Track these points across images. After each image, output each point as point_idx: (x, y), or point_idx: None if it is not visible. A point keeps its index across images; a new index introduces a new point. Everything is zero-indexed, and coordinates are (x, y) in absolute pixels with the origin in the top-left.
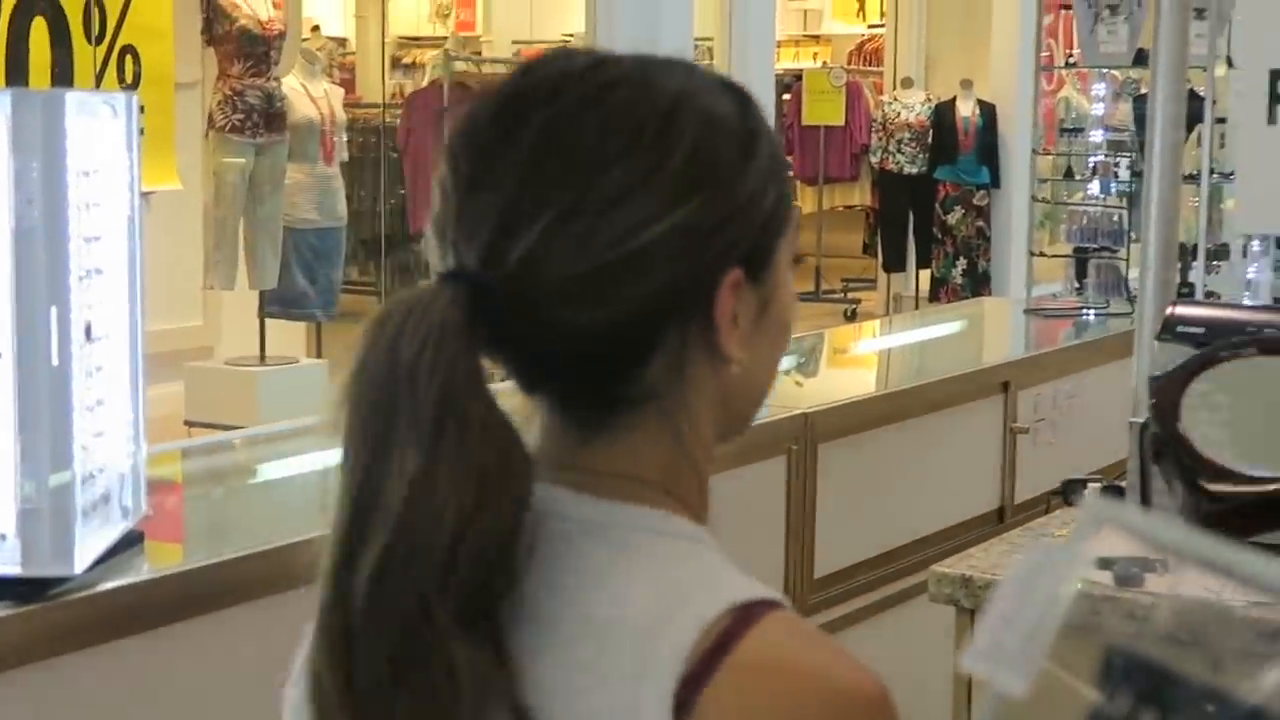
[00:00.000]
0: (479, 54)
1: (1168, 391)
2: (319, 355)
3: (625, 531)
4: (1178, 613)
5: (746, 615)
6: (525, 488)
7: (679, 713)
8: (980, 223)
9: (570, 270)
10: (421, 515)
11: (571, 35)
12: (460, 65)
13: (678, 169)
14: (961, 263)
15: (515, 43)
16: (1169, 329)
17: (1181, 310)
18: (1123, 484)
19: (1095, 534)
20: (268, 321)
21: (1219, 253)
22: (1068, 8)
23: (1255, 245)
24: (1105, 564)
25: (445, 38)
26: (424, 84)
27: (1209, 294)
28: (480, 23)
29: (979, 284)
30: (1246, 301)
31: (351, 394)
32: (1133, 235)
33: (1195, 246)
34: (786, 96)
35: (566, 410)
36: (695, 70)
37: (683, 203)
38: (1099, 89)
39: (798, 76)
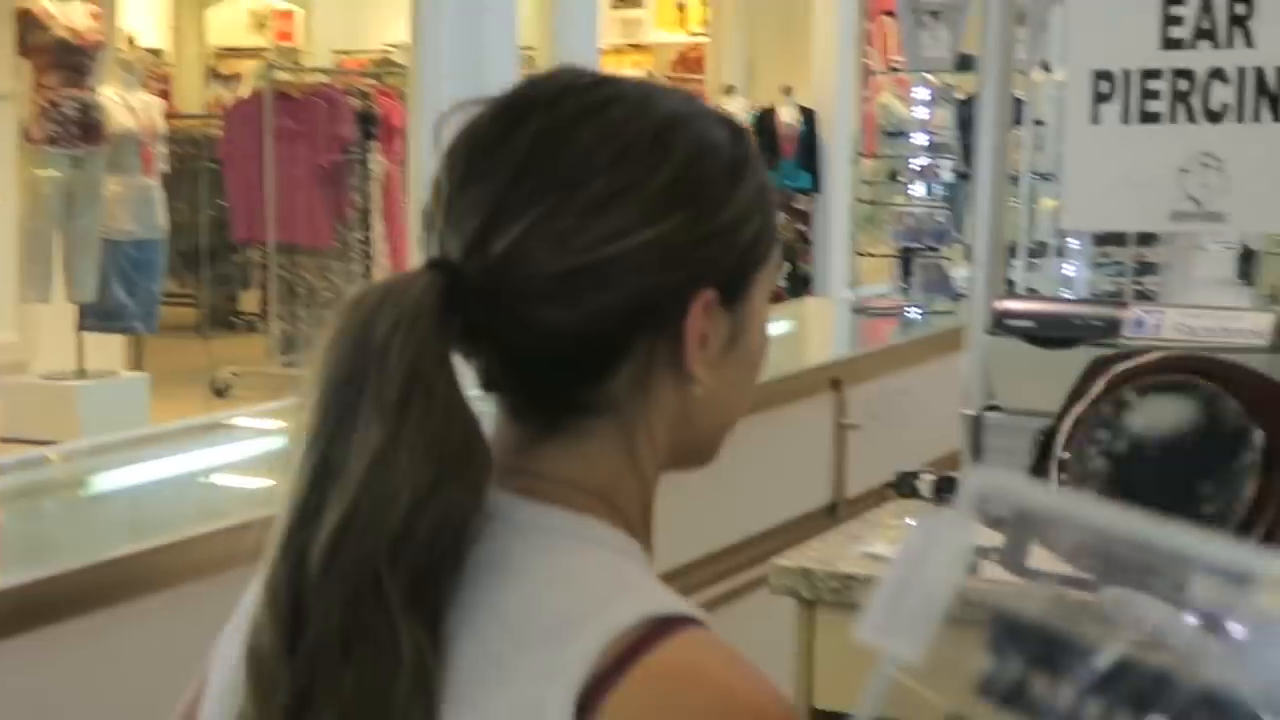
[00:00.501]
0: (298, 63)
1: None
2: (139, 368)
3: (556, 536)
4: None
5: (664, 627)
6: (483, 474)
7: (582, 714)
8: (801, 226)
9: (547, 269)
10: (379, 488)
11: (394, 45)
12: (281, 74)
13: (662, 185)
14: (784, 266)
15: (336, 52)
16: (999, 323)
17: (1010, 305)
18: (955, 475)
19: (981, 505)
20: (86, 335)
21: (1038, 251)
22: (889, 14)
23: (1073, 243)
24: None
25: (264, 48)
26: (244, 94)
27: (1030, 290)
28: (299, 33)
29: (800, 287)
30: (1065, 296)
31: (320, 368)
32: (955, 235)
33: (1015, 245)
34: None
35: (523, 412)
36: (694, 100)
37: (663, 218)
38: (920, 93)
39: None
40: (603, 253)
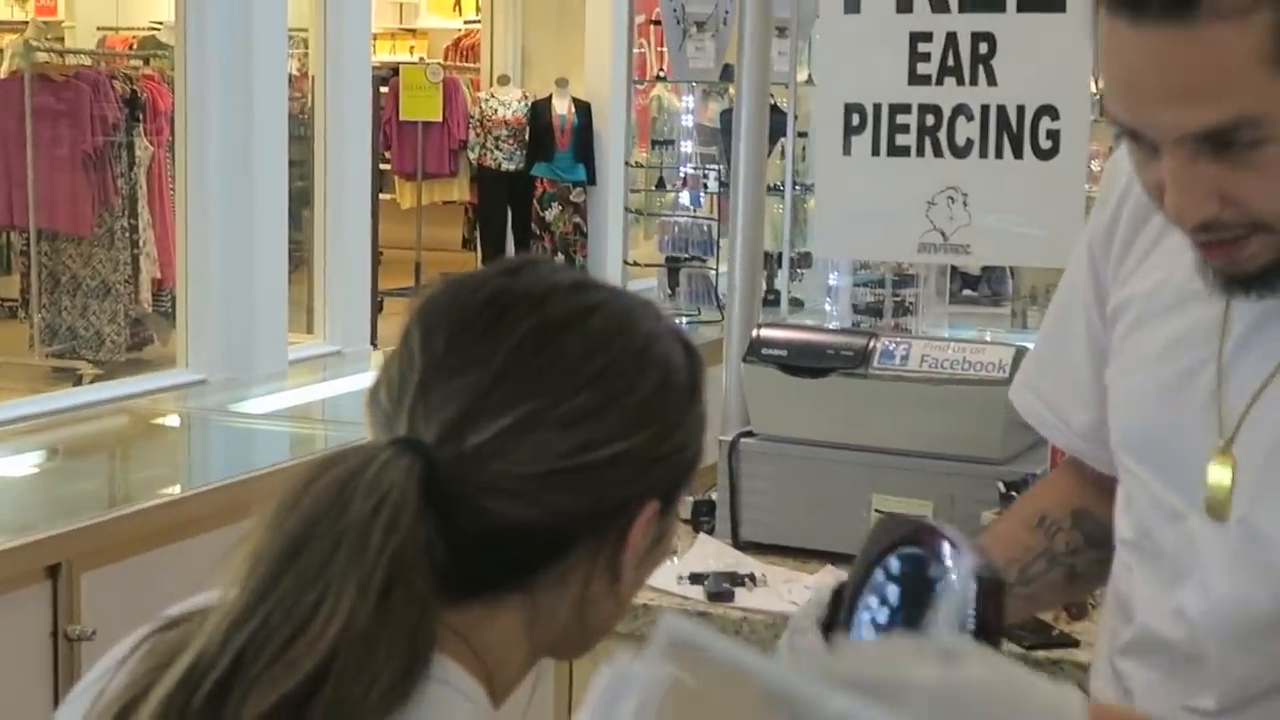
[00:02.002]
0: (61, 40)
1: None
2: None
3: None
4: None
5: None
6: (426, 672)
7: None
8: (577, 219)
9: (519, 469)
10: (354, 660)
11: (160, 23)
12: (42, 56)
13: (638, 402)
14: (559, 259)
15: (100, 29)
16: (754, 351)
17: (766, 333)
18: (713, 496)
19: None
20: None
21: (803, 260)
22: (656, 23)
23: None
24: (696, 579)
25: (25, 23)
26: (2, 74)
27: (793, 301)
28: (62, 8)
29: None
30: (828, 306)
31: (278, 519)
32: (721, 245)
33: (781, 255)
34: (384, 90)
35: (446, 579)
36: (661, 316)
37: (633, 434)
38: (689, 100)
39: (395, 70)
40: (575, 460)
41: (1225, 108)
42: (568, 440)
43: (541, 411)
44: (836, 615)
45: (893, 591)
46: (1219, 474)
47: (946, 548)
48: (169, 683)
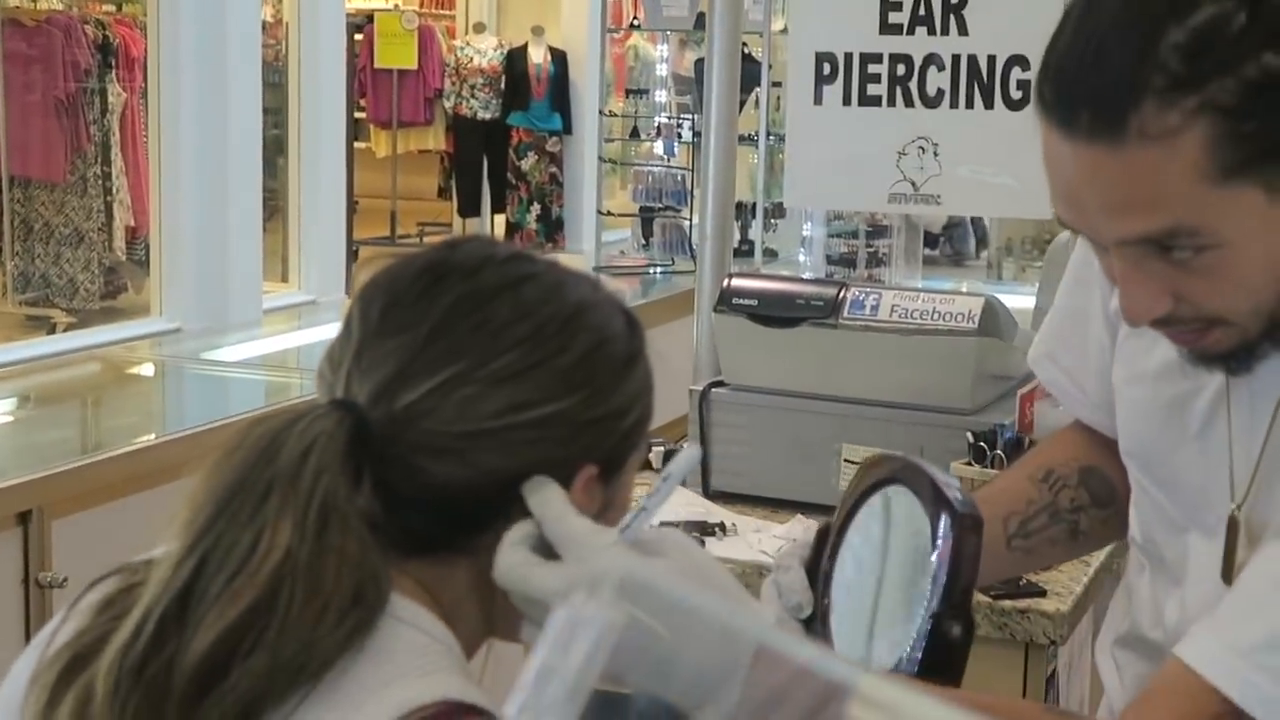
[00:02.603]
0: None
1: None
2: None
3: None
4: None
5: (456, 709)
6: (385, 596)
7: None
8: (553, 169)
9: (448, 428)
10: (294, 590)
11: None
12: (14, 1)
13: (566, 366)
14: (536, 208)
15: None
16: (725, 301)
17: (737, 283)
18: (685, 445)
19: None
20: None
21: (777, 211)
22: None
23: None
24: (667, 528)
25: None
26: None
27: (768, 251)
28: None
29: (553, 229)
30: (802, 256)
31: (212, 475)
32: (695, 195)
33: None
34: (359, 38)
35: (391, 539)
36: (599, 287)
37: (563, 396)
38: (663, 49)
39: (370, 18)
40: (503, 421)
41: (1161, 219)
42: (496, 400)
43: (469, 371)
44: (821, 554)
45: (875, 528)
46: (1230, 539)
47: (927, 483)
48: (124, 634)
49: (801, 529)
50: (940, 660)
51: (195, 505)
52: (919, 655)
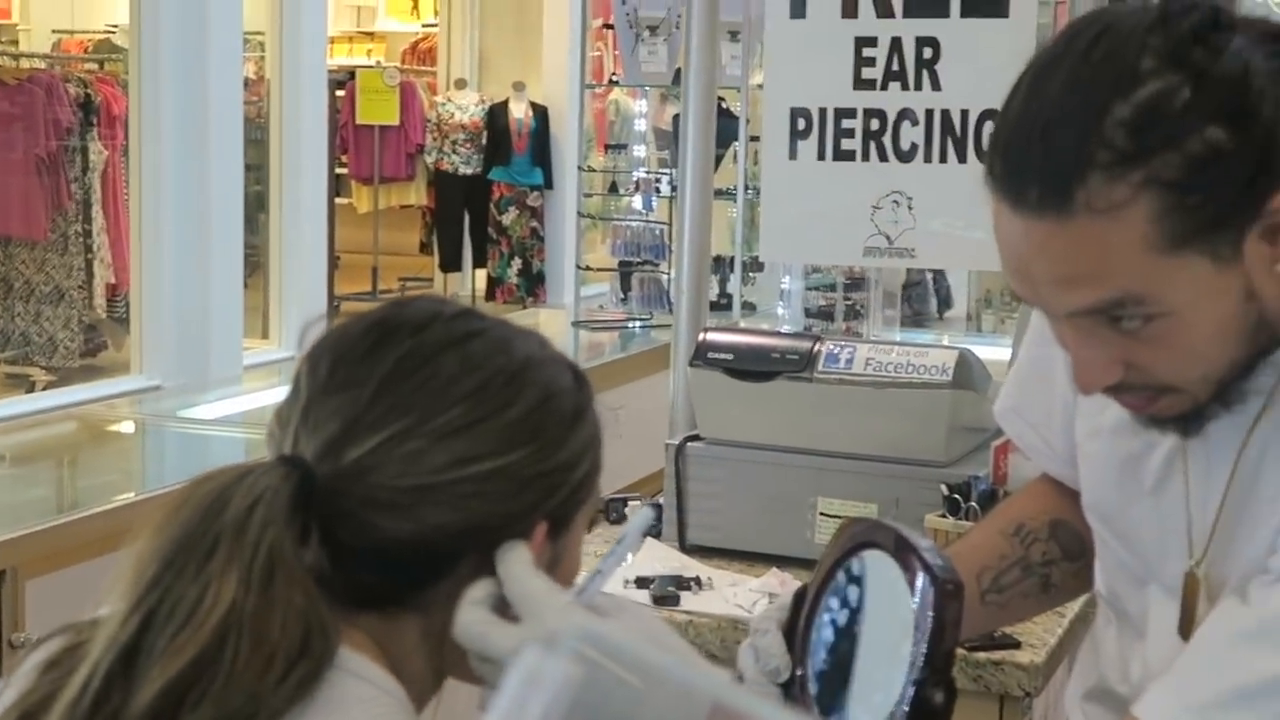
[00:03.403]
0: (15, 43)
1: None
2: None
3: (339, 671)
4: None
5: None
6: (333, 647)
7: None
8: (534, 223)
9: (395, 482)
10: (240, 642)
11: (115, 26)
12: None
13: (513, 421)
14: (517, 263)
15: (55, 32)
16: (701, 355)
17: (712, 337)
18: (660, 500)
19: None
20: None
21: (756, 264)
22: (609, 26)
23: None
24: (643, 583)
25: None
26: None
27: (746, 304)
28: (16, 10)
29: (534, 283)
30: (780, 310)
31: (160, 530)
32: (673, 249)
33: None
34: (340, 94)
35: (339, 595)
36: (546, 344)
37: (509, 451)
38: (643, 103)
39: (351, 74)
40: (449, 475)
41: (1108, 290)
42: (441, 455)
43: (415, 426)
44: (798, 617)
45: (853, 593)
46: (1188, 597)
47: (907, 550)
48: (71, 691)
49: (777, 582)
50: None
51: (142, 562)
52: None
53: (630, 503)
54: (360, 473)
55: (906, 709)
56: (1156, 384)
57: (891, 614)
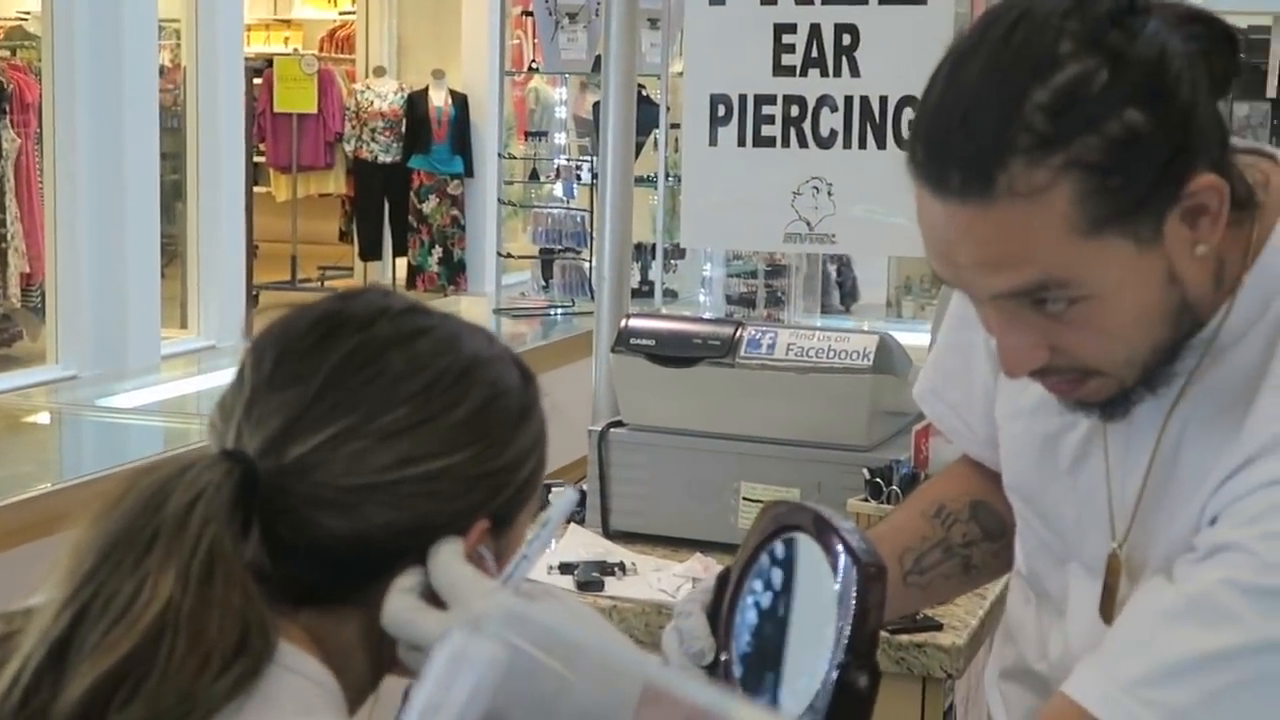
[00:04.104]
0: None
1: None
2: None
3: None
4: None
5: None
6: (269, 654)
7: None
8: (455, 211)
9: (338, 481)
10: (179, 643)
11: (27, 13)
12: None
13: (459, 420)
14: (438, 251)
15: None
16: (623, 341)
17: (635, 323)
18: (584, 486)
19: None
20: None
21: (677, 251)
22: (528, 13)
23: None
24: (567, 569)
25: None
26: None
27: (668, 291)
28: None
29: (455, 272)
30: (702, 296)
31: (98, 523)
32: (594, 236)
33: (654, 246)
34: (257, 82)
35: (279, 588)
36: (494, 341)
37: (455, 451)
38: (563, 91)
39: (269, 62)
40: (393, 475)
41: (1031, 273)
42: (386, 454)
43: (360, 425)
44: (721, 600)
45: (776, 575)
46: (1110, 576)
47: (830, 533)
48: (0, 684)
49: (701, 567)
50: (846, 711)
51: (78, 553)
52: (823, 705)
53: (554, 489)
54: (303, 470)
55: (830, 693)
56: (1081, 367)
57: (815, 597)
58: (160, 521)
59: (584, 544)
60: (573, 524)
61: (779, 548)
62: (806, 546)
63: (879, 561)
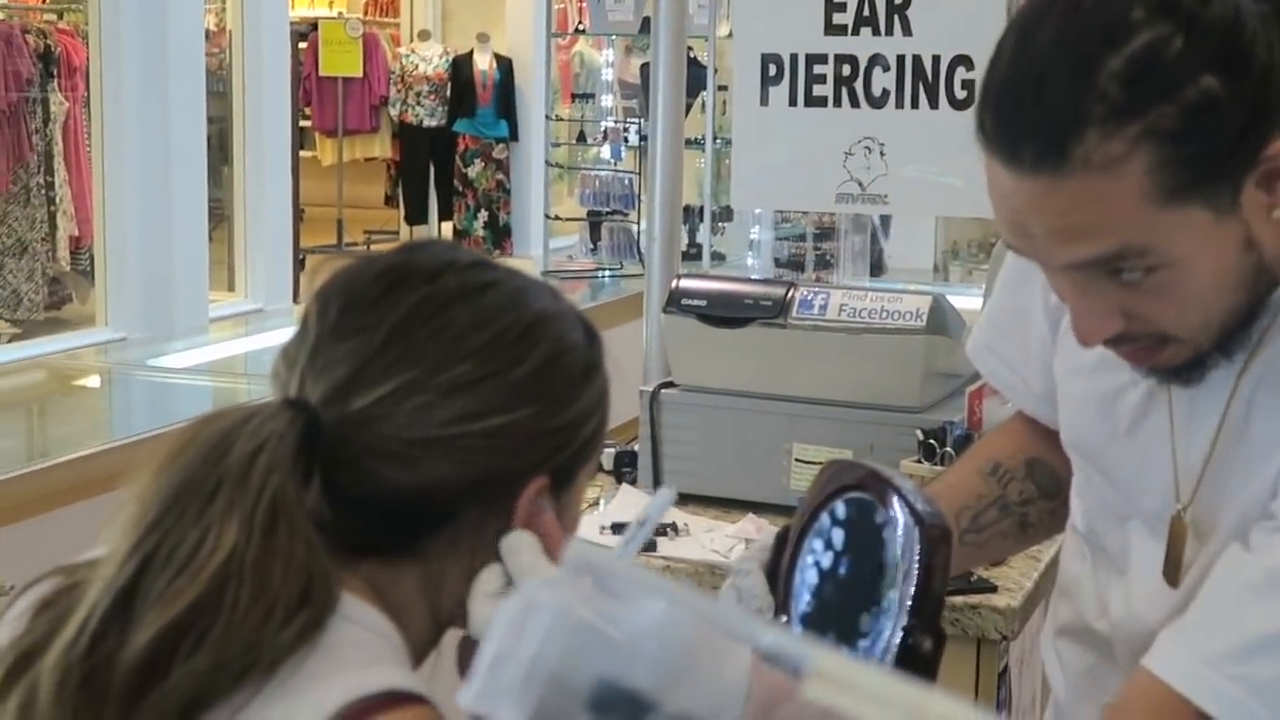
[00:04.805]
0: None
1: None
2: None
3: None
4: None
5: (398, 698)
6: (333, 599)
7: None
8: (500, 176)
9: (401, 434)
10: (244, 592)
11: None
12: None
13: (522, 377)
14: (483, 215)
15: None
16: (674, 301)
17: (686, 284)
18: (635, 447)
19: (579, 578)
20: None
21: (725, 214)
22: None
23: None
24: (618, 529)
25: None
26: None
27: (715, 254)
28: None
29: (500, 236)
30: (750, 260)
31: (161, 470)
32: (642, 199)
33: (702, 209)
34: (303, 46)
35: (339, 539)
36: (560, 298)
37: (517, 408)
38: (609, 54)
39: (314, 26)
40: (455, 429)
41: (1108, 243)
42: (449, 409)
43: (424, 379)
44: (780, 559)
45: (838, 536)
46: (1174, 538)
47: (893, 494)
48: (68, 633)
49: (754, 528)
50: (911, 674)
51: (142, 503)
52: (889, 669)
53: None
54: (366, 421)
55: (895, 656)
56: (1158, 334)
57: (876, 559)
58: (224, 471)
59: (635, 504)
60: (624, 484)
61: (840, 507)
62: (867, 507)
63: (943, 524)
